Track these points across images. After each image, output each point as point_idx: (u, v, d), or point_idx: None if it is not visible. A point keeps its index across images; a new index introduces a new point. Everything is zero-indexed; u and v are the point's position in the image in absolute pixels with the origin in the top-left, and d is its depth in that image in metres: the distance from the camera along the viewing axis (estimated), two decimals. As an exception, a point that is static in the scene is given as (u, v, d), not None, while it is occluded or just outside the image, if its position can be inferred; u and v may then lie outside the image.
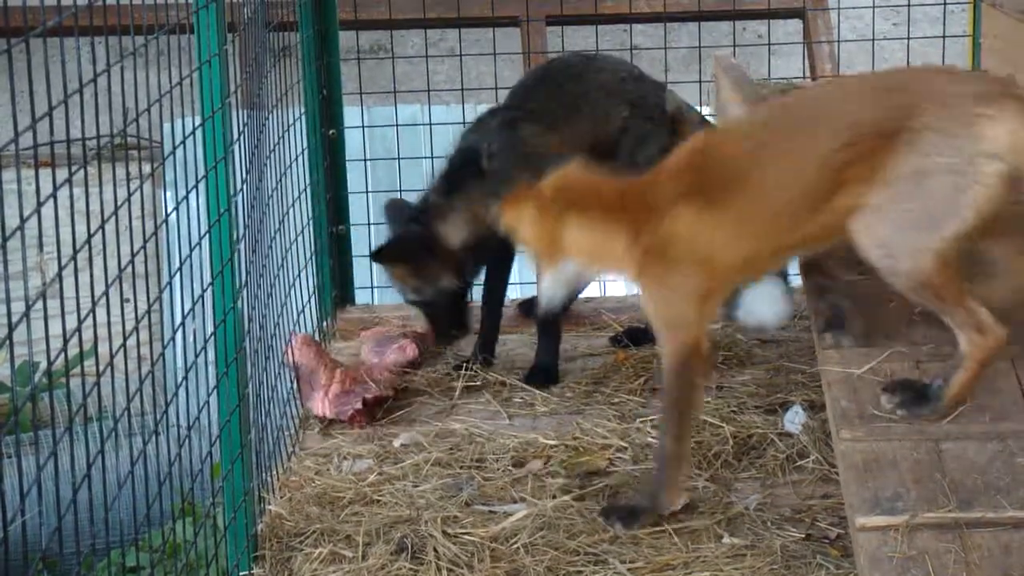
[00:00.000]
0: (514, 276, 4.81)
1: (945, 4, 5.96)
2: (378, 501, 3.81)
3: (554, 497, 3.75)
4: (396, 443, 4.16)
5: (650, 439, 4.03)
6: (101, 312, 2.87)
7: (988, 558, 3.02)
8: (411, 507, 3.74)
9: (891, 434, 3.34)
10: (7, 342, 2.41)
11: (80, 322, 2.75)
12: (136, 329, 3.07)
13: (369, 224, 5.58)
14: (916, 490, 3.17)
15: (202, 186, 3.51)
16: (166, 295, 6.17)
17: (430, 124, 5.90)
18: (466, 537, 3.57)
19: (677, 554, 3.48)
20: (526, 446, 4.06)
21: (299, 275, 4.63)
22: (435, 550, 3.50)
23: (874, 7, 6.32)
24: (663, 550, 3.50)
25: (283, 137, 4.49)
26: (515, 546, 3.53)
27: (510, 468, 3.96)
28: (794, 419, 4.11)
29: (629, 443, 4.02)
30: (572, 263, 3.46)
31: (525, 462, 3.98)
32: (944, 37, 5.97)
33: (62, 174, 2.71)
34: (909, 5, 5.97)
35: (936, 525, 3.09)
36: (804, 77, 6.82)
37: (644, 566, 3.44)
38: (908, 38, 5.97)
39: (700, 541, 3.54)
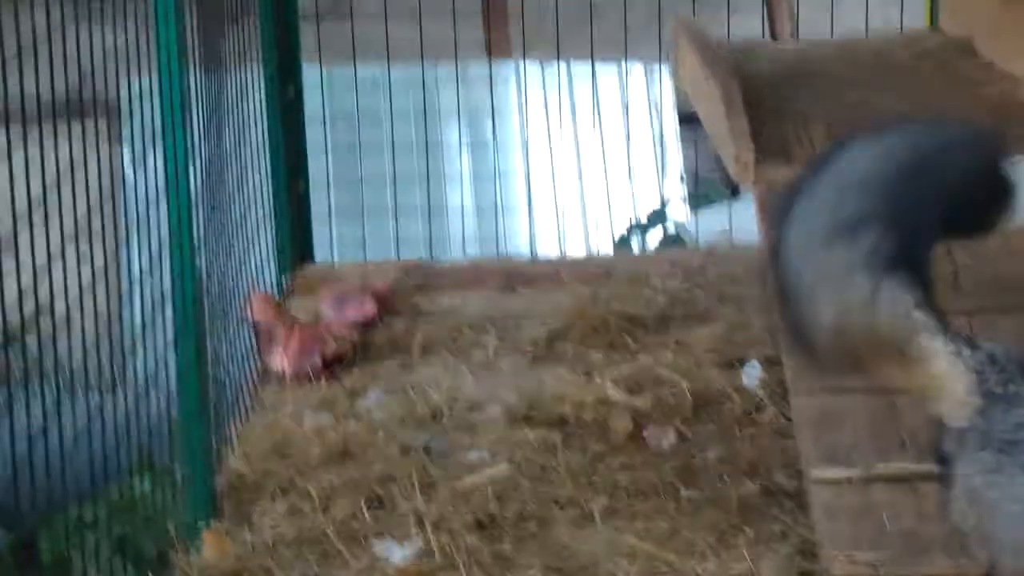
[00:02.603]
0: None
1: (904, -37, 5.98)
2: (339, 456, 3.82)
3: (518, 448, 3.78)
4: (356, 398, 4.17)
5: (610, 393, 4.05)
6: (57, 269, 2.86)
7: (940, 511, 3.05)
8: (374, 461, 3.76)
9: (846, 389, 3.36)
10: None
11: (35, 278, 2.74)
12: (93, 285, 3.07)
13: (328, 183, 5.58)
14: (871, 443, 3.19)
15: (160, 144, 3.50)
16: (123, 253, 6.15)
17: (389, 83, 5.88)
18: (432, 490, 3.59)
19: (637, 506, 3.51)
20: (488, 400, 4.08)
21: (258, 233, 4.63)
22: (401, 501, 3.51)
23: (833, -34, 6.32)
24: (620, 501, 3.53)
25: (241, 96, 4.47)
26: (483, 496, 3.55)
27: (472, 421, 3.97)
28: (752, 374, 4.13)
29: (590, 397, 4.04)
30: None
31: (487, 416, 4.00)
32: (903, -3, 5.99)
33: (17, 132, 2.70)
34: (868, -36, 5.99)
35: (890, 478, 3.12)
36: (764, 37, 6.83)
37: (605, 515, 3.47)
38: (867, -2, 5.98)
39: (657, 494, 3.57)
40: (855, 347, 2.36)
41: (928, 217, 2.41)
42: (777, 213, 2.41)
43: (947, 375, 2.36)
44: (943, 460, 2.36)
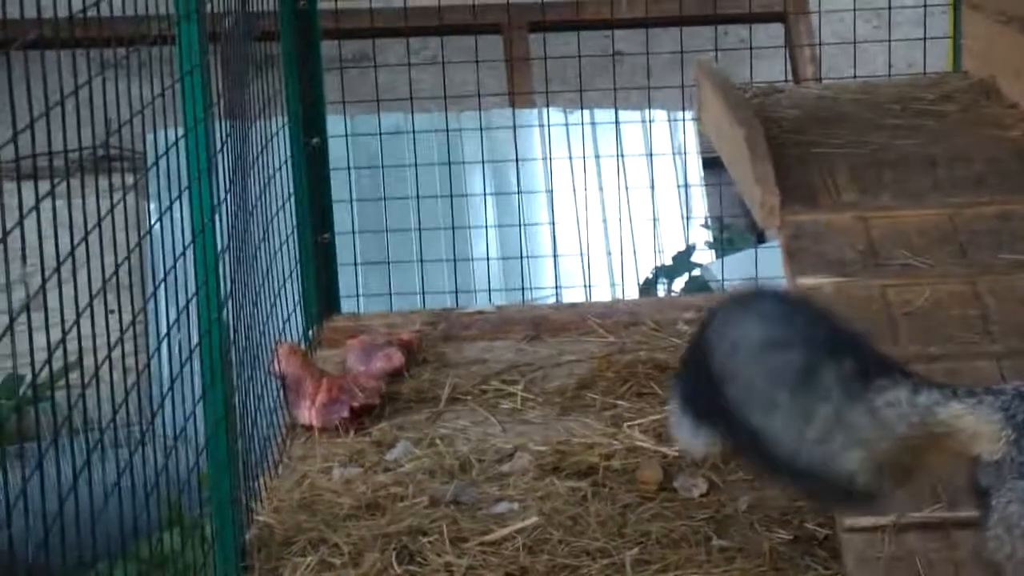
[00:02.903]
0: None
1: (926, 6, 5.98)
2: (368, 509, 3.81)
3: (548, 499, 3.76)
4: (384, 450, 4.16)
5: (638, 443, 4.03)
6: (86, 324, 2.86)
7: (975, 556, 3.02)
8: (403, 514, 3.74)
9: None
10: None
11: (64, 334, 2.74)
12: (121, 340, 3.06)
13: (354, 232, 5.58)
14: (903, 491, 3.16)
15: (185, 196, 3.50)
16: (151, 306, 6.16)
17: (413, 132, 5.90)
18: (462, 543, 3.58)
19: (669, 557, 3.49)
20: (516, 451, 4.07)
21: (284, 284, 4.63)
22: (432, 556, 3.50)
23: (855, 10, 6.33)
24: (651, 551, 3.51)
25: (266, 147, 4.49)
26: (513, 548, 3.54)
27: (501, 472, 3.96)
28: (782, 421, 4.10)
29: (619, 446, 4.03)
30: None
31: (516, 466, 3.99)
32: (925, 39, 5.99)
33: (45, 187, 2.71)
34: (890, 8, 5.99)
35: (923, 525, 3.10)
36: (786, 81, 6.83)
37: (636, 565, 3.44)
38: (889, 40, 5.98)
39: (689, 544, 3.55)
40: (895, 466, 2.40)
41: (844, 333, 2.46)
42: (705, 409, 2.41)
43: (976, 425, 2.39)
44: (981, 494, 2.38)
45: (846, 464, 2.40)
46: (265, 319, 4.28)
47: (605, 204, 6.90)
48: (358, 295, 5.56)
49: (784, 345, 2.42)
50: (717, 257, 6.75)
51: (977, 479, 2.41)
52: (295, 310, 4.82)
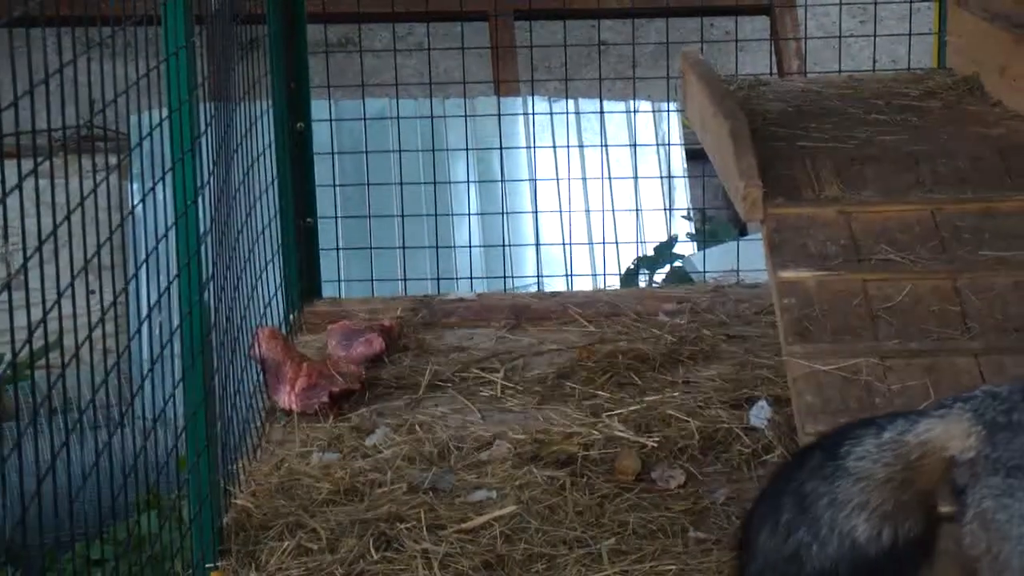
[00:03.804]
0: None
1: (911, 2, 5.99)
2: (346, 494, 3.81)
3: (526, 487, 3.76)
4: (363, 436, 4.16)
5: (617, 433, 4.04)
6: (67, 304, 2.85)
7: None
8: (381, 500, 3.74)
9: (856, 429, 3.35)
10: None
11: (45, 314, 2.73)
12: (102, 321, 3.06)
13: (336, 217, 5.57)
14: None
15: (169, 178, 3.50)
16: (132, 287, 6.14)
17: (398, 118, 5.89)
18: (440, 530, 3.58)
19: (645, 547, 3.49)
20: (495, 439, 4.07)
21: (266, 268, 4.62)
22: (409, 542, 3.50)
23: (841, 4, 6.33)
24: (628, 541, 3.52)
25: (250, 130, 4.48)
26: (491, 536, 3.54)
27: (480, 460, 3.96)
28: (760, 414, 4.12)
29: (598, 436, 4.03)
30: None
31: (494, 455, 3.99)
32: (910, 35, 6.00)
33: (28, 165, 2.70)
34: (876, 3, 6.00)
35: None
36: (771, 74, 6.83)
37: (613, 556, 3.45)
38: (875, 35, 5.99)
39: (666, 534, 3.56)
40: (901, 512, 2.50)
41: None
42: None
43: (947, 430, 2.48)
44: (957, 492, 2.41)
45: (859, 535, 2.50)
46: (246, 303, 4.27)
47: (588, 194, 6.90)
48: (340, 280, 5.55)
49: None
50: (699, 249, 6.75)
51: (953, 478, 2.44)
52: (276, 294, 4.81)
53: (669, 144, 7.05)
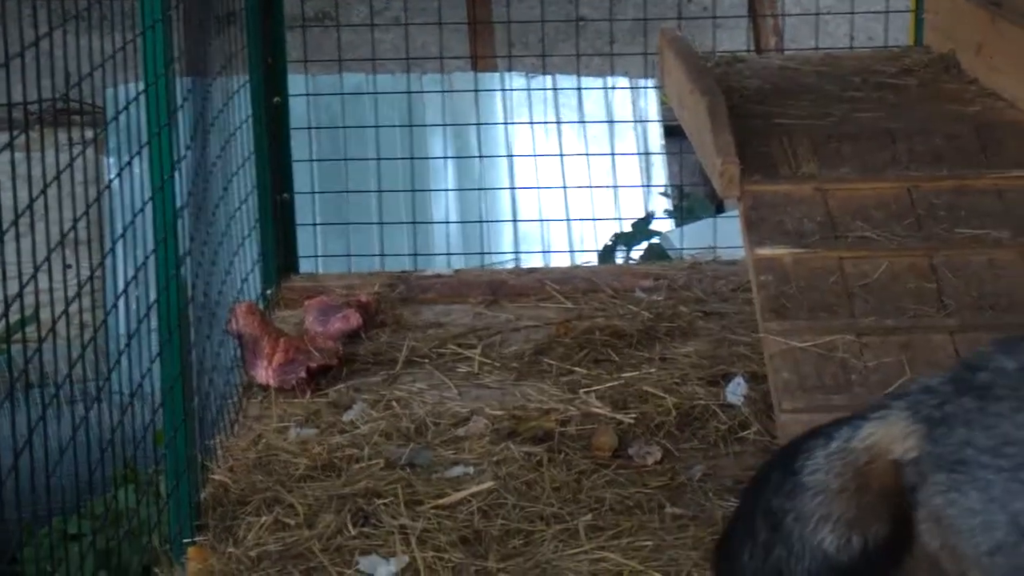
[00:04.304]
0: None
1: (889, -21, 6.00)
2: (324, 470, 3.81)
3: (503, 463, 3.77)
4: (341, 412, 4.16)
5: (595, 409, 4.04)
6: (43, 278, 2.85)
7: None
8: (358, 475, 3.75)
9: (831, 406, 3.36)
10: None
11: (22, 288, 2.73)
12: (78, 295, 3.05)
13: (314, 192, 5.55)
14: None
15: (145, 152, 3.48)
16: (109, 262, 6.12)
17: (375, 93, 5.88)
18: (417, 506, 3.58)
19: (622, 523, 3.50)
20: (472, 415, 4.07)
21: (243, 243, 4.61)
22: (387, 518, 3.50)
23: (819, -19, 6.34)
24: (605, 517, 3.53)
25: (227, 105, 4.46)
26: (468, 512, 3.55)
27: (457, 436, 3.97)
28: (736, 391, 4.13)
29: (575, 412, 4.04)
30: None
31: (471, 431, 4.00)
32: (887, 12, 6.01)
33: (3, 138, 2.69)
34: (854, -20, 6.01)
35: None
36: (749, 51, 6.84)
37: (590, 531, 3.46)
38: (852, 13, 6.00)
39: (642, 510, 3.57)
40: (866, 518, 2.52)
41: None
42: None
43: (887, 433, 2.49)
44: (908, 491, 2.46)
45: (828, 546, 2.53)
46: (223, 278, 4.26)
47: (566, 170, 6.89)
48: (317, 256, 5.54)
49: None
50: (676, 225, 6.76)
51: (903, 479, 2.46)
52: (254, 269, 4.80)
53: (647, 121, 7.05)
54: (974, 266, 3.84)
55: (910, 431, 2.46)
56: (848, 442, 2.51)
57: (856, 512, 2.52)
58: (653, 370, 4.24)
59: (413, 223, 5.95)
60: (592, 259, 6.32)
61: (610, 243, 6.48)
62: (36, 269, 2.82)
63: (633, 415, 4.00)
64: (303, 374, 4.29)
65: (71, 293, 3.03)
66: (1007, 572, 2.36)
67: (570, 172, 6.81)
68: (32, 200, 2.81)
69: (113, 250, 5.59)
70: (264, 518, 3.58)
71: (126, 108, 3.42)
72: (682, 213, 6.83)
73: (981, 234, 3.93)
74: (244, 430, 4.09)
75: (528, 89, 6.80)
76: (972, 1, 4.90)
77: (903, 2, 6.31)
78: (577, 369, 4.36)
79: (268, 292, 5.05)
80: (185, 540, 3.58)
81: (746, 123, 4.43)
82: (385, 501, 3.60)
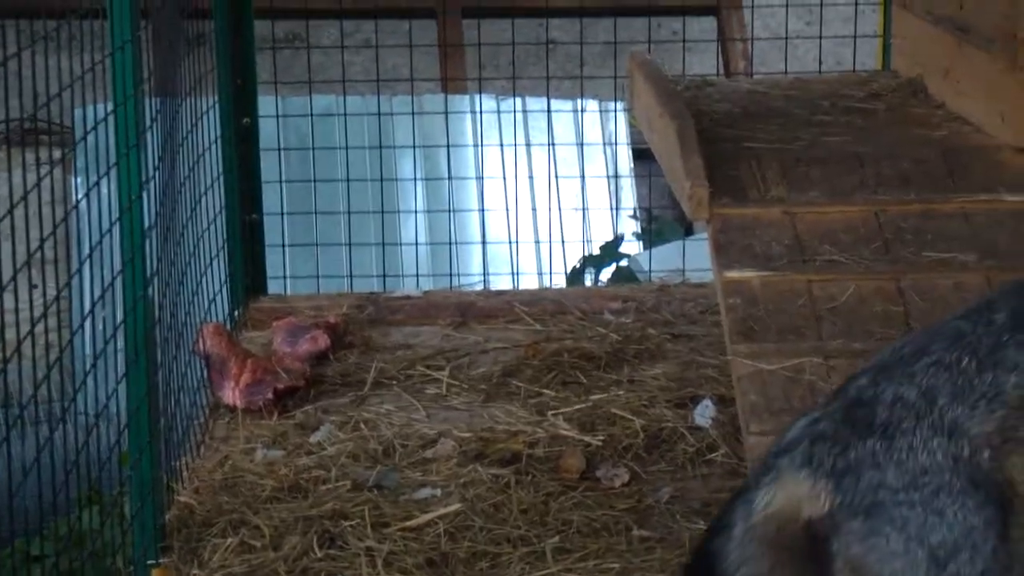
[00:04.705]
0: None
1: (857, 4, 6.03)
2: (290, 491, 3.80)
3: (470, 485, 3.77)
4: (308, 433, 4.15)
5: (562, 431, 4.04)
6: (9, 298, 2.83)
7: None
8: (325, 497, 3.73)
9: (799, 428, 3.37)
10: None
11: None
12: (44, 315, 3.03)
13: (283, 214, 5.55)
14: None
15: (113, 173, 3.47)
16: (75, 282, 6.10)
17: (345, 115, 5.88)
18: (384, 528, 3.57)
19: (589, 546, 3.50)
20: (440, 437, 4.07)
21: (211, 264, 4.60)
22: (353, 540, 3.49)
23: (787, 5, 6.38)
24: (572, 540, 3.52)
25: (196, 125, 4.45)
26: (435, 534, 3.54)
27: (424, 458, 3.96)
28: (704, 413, 4.14)
29: (543, 434, 4.03)
30: None
31: (439, 452, 3.99)
32: (855, 37, 6.04)
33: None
34: (822, 4, 6.04)
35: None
36: (718, 74, 6.86)
37: (557, 554, 3.46)
38: (820, 37, 6.03)
39: (610, 533, 3.56)
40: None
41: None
42: None
43: (791, 495, 2.36)
44: (821, 541, 2.34)
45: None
46: (191, 298, 4.25)
47: (535, 192, 6.90)
48: (285, 277, 5.52)
49: None
50: (645, 248, 6.78)
51: (814, 533, 2.34)
52: (221, 290, 4.79)
53: (616, 143, 7.07)
54: (941, 289, 3.86)
55: (817, 490, 2.32)
56: (749, 520, 2.35)
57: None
58: (621, 392, 4.24)
59: (382, 244, 5.94)
60: (561, 281, 6.33)
61: (579, 265, 6.49)
62: (2, 289, 2.81)
63: (601, 437, 4.00)
64: (270, 395, 4.28)
65: (37, 313, 3.02)
66: None
67: (539, 194, 6.83)
68: (-2, 219, 2.80)
69: (80, 270, 5.58)
70: (230, 540, 3.57)
71: (95, 128, 3.41)
72: (651, 236, 6.84)
73: (948, 258, 3.95)
74: (210, 451, 4.08)
75: (498, 111, 6.81)
76: (939, 26, 4.93)
77: (871, 27, 6.35)
78: (545, 391, 4.36)
79: (236, 313, 5.03)
80: (149, 562, 3.56)
81: (715, 147, 4.45)
82: (352, 523, 3.59)
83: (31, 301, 3.00)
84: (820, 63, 6.14)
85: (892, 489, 2.30)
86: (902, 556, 2.29)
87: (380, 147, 6.00)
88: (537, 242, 6.76)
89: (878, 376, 2.38)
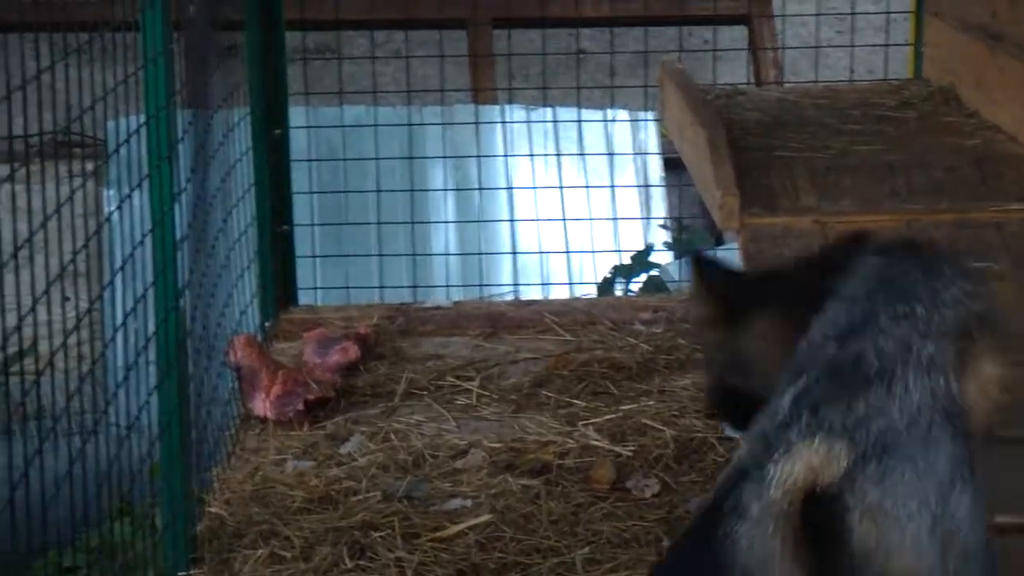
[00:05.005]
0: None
1: (888, 13, 6.02)
2: (320, 502, 3.80)
3: (500, 496, 3.76)
4: (338, 444, 4.15)
5: (593, 441, 4.04)
6: (42, 311, 2.85)
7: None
8: (355, 508, 3.74)
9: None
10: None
11: (20, 320, 2.73)
12: (77, 328, 3.05)
13: (313, 224, 5.56)
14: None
15: (145, 185, 3.49)
16: (107, 294, 6.12)
17: (375, 125, 5.89)
18: (414, 539, 3.57)
19: (620, 556, 3.49)
20: (470, 447, 4.07)
21: (242, 275, 4.61)
22: (383, 551, 3.50)
23: (818, 14, 6.36)
24: (602, 550, 3.52)
25: (228, 136, 4.47)
26: (465, 545, 3.54)
27: (455, 469, 3.96)
28: (735, 423, 4.13)
29: (573, 445, 4.03)
30: None
31: (469, 463, 3.99)
32: (887, 46, 6.03)
33: (3, 171, 2.70)
34: (853, 13, 6.03)
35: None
36: (749, 83, 6.86)
37: (587, 565, 3.46)
38: (852, 46, 6.02)
39: (640, 544, 3.56)
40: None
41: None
42: None
43: (810, 463, 2.34)
44: (830, 504, 2.33)
45: None
46: (222, 310, 4.26)
47: (565, 202, 6.90)
48: (316, 288, 5.54)
49: None
50: (675, 258, 6.77)
51: (820, 496, 2.32)
52: (252, 301, 4.81)
53: (646, 153, 7.06)
54: (1000, 301, 3.83)
55: (835, 452, 2.32)
56: (763, 499, 2.30)
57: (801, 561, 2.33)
58: (651, 402, 4.24)
59: (412, 255, 5.95)
60: (591, 291, 6.32)
61: (609, 275, 6.49)
62: (35, 301, 2.82)
63: (631, 448, 3.99)
64: (301, 406, 4.29)
65: (70, 325, 3.03)
66: (937, 551, 2.32)
67: (570, 204, 6.83)
68: (32, 233, 2.81)
69: (112, 282, 5.60)
70: (260, 551, 3.57)
71: (127, 141, 3.43)
72: (681, 245, 6.83)
73: (980, 267, 3.93)
74: (241, 462, 4.09)
75: (528, 121, 6.81)
76: (971, 35, 4.92)
77: (903, 35, 6.34)
78: (575, 401, 4.36)
79: (267, 324, 5.05)
80: (180, 573, 3.57)
81: (746, 156, 4.44)
82: (382, 534, 3.59)
83: (64, 314, 3.02)
84: (851, 72, 6.13)
85: (897, 431, 2.35)
86: (915, 494, 2.33)
87: (410, 158, 6.02)
88: (567, 252, 6.76)
89: (845, 341, 2.44)
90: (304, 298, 5.41)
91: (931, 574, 2.32)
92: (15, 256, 2.71)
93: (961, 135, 4.68)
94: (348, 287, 5.80)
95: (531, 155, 6.64)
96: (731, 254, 4.99)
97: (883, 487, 2.34)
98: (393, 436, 4.17)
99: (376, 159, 5.86)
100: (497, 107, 6.95)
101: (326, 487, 3.87)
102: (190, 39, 3.97)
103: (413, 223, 5.96)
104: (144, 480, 3.76)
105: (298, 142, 5.50)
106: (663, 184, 7.19)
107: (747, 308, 2.85)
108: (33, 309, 2.81)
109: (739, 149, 4.44)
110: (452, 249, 6.47)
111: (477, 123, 6.45)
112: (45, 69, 2.86)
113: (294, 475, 3.95)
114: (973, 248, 3.99)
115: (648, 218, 7.07)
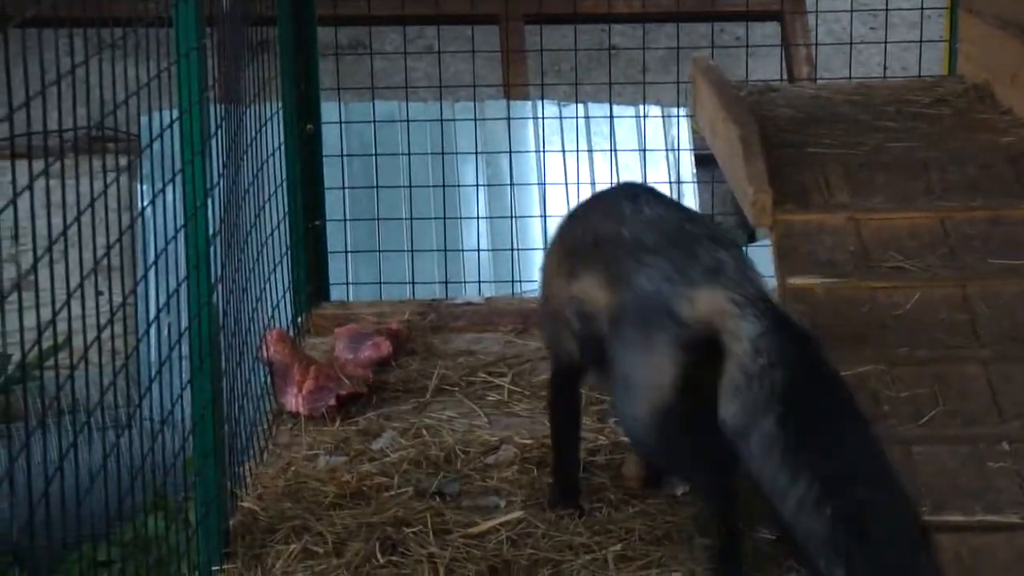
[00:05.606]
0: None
1: (923, 9, 5.99)
2: (353, 498, 3.81)
3: (534, 490, 3.76)
4: (370, 440, 4.16)
5: (623, 439, 4.03)
6: (75, 305, 2.86)
7: (957, 562, 3.04)
8: (387, 504, 3.74)
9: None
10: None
11: (54, 315, 2.74)
12: (110, 322, 3.06)
13: (345, 220, 5.56)
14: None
15: (178, 179, 3.50)
16: (141, 289, 6.14)
17: (407, 121, 5.89)
18: (446, 535, 3.57)
19: (652, 553, 3.49)
20: (502, 443, 4.07)
21: (274, 270, 4.62)
22: (415, 547, 3.50)
23: (851, 11, 6.33)
24: (634, 547, 3.51)
25: (260, 132, 4.48)
26: (497, 541, 3.54)
27: (486, 465, 3.96)
28: (768, 421, 4.10)
29: (604, 441, 4.03)
30: None
31: (501, 459, 3.99)
32: (921, 42, 6.00)
33: (38, 166, 2.70)
34: (887, 9, 6.00)
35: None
36: (782, 79, 6.84)
37: (619, 561, 3.45)
38: (885, 42, 5.99)
39: (672, 541, 3.55)
40: None
41: None
42: None
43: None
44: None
45: None
46: (255, 305, 4.27)
47: (597, 198, 6.88)
48: (348, 283, 5.54)
49: None
50: (707, 254, 6.73)
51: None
52: (284, 296, 4.82)
53: (678, 149, 7.05)
54: (1007, 297, 3.82)
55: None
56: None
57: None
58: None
59: (444, 251, 5.95)
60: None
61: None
62: (68, 296, 2.83)
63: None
64: (333, 402, 4.29)
65: (103, 320, 3.04)
66: None
67: (602, 200, 6.80)
68: (66, 227, 2.82)
69: (145, 277, 5.62)
70: (293, 546, 3.58)
71: (160, 135, 3.44)
72: (713, 242, 6.80)
73: (1015, 264, 3.91)
74: (273, 458, 4.10)
75: (560, 117, 6.81)
76: (1007, 31, 4.89)
77: (937, 32, 6.31)
78: (607, 398, 4.35)
79: (299, 319, 5.06)
80: (214, 568, 3.58)
81: (779, 152, 4.43)
82: (414, 530, 3.59)
83: (97, 308, 3.02)
84: (885, 68, 6.10)
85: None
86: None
87: (442, 153, 6.01)
88: (599, 248, 6.73)
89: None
90: (336, 293, 5.42)
91: None
92: (49, 250, 2.72)
93: (995, 132, 4.66)
94: (380, 282, 5.80)
95: (563, 150, 6.63)
96: (764, 251, 4.97)
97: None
98: (425, 432, 4.18)
99: (408, 154, 5.86)
100: (529, 103, 6.95)
101: (358, 483, 3.87)
102: (223, 34, 3.97)
103: (445, 219, 5.96)
104: (177, 475, 3.78)
105: (330, 137, 5.51)
106: (695, 180, 7.17)
107: None
108: (67, 303, 2.81)
109: (772, 146, 4.43)
110: (484, 245, 6.46)
111: (509, 119, 6.45)
112: (79, 64, 2.86)
113: (326, 470, 3.96)
114: (1006, 245, 3.97)
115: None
